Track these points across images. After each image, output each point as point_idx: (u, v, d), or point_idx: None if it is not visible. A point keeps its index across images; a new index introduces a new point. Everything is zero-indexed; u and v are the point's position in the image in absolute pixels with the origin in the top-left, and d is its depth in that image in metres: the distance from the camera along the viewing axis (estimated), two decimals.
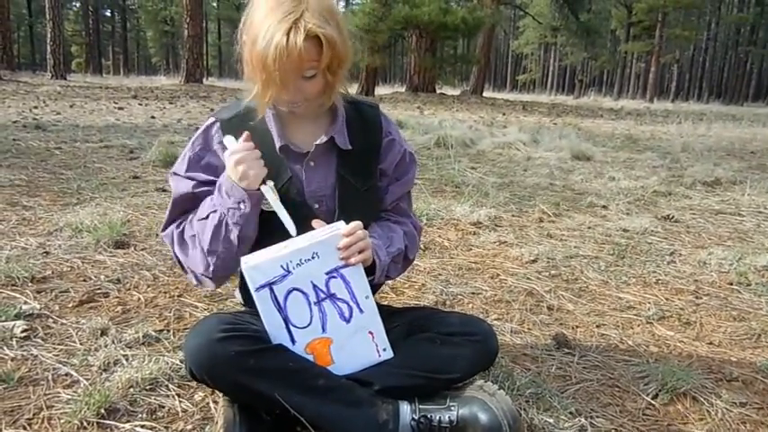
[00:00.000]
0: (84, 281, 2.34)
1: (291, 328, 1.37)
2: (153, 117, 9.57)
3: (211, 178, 1.45)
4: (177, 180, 1.49)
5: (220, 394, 1.51)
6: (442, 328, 1.52)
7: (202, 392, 1.58)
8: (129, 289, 2.30)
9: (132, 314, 2.07)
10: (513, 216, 3.83)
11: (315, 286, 1.37)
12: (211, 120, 1.49)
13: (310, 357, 1.40)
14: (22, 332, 1.86)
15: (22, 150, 5.41)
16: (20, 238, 2.80)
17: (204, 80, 24.60)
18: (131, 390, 1.56)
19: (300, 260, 1.34)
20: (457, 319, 1.58)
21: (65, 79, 22.07)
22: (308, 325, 1.39)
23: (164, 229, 1.51)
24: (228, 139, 1.38)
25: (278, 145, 1.45)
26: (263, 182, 1.36)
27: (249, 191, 1.34)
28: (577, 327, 2.17)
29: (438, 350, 1.47)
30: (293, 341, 1.38)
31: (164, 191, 4.02)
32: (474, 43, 31.75)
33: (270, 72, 1.28)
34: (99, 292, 2.24)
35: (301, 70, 1.30)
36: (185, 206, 1.48)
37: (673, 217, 3.95)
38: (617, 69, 47.74)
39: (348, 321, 1.42)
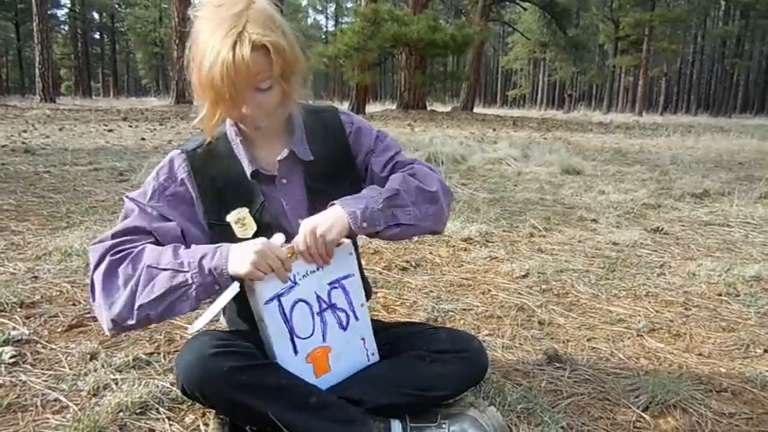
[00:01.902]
0: (74, 305, 2.33)
1: (295, 339, 1.39)
2: (143, 139, 9.57)
3: (169, 218, 1.40)
4: (134, 206, 1.41)
5: (211, 417, 1.50)
6: (431, 345, 1.52)
7: (193, 415, 1.58)
8: None
9: (122, 338, 2.06)
10: (503, 231, 3.85)
11: (318, 297, 1.41)
12: (177, 151, 1.47)
13: (310, 367, 1.42)
14: (11, 358, 1.85)
15: (10, 175, 5.40)
16: (8, 263, 2.79)
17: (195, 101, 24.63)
18: (121, 414, 1.55)
19: (306, 272, 1.37)
20: (446, 335, 1.58)
21: (54, 102, 22.10)
22: (311, 335, 1.41)
23: (98, 242, 1.36)
24: (279, 237, 1.34)
25: (249, 170, 1.44)
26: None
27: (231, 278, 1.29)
28: (568, 341, 2.18)
29: (428, 368, 1.48)
30: (296, 351, 1.39)
31: None
32: (464, 60, 32.01)
33: (218, 90, 1.26)
34: (88, 316, 2.23)
35: (253, 83, 1.29)
36: (134, 234, 1.38)
37: (662, 229, 3.97)
38: (606, 83, 48.05)
39: (345, 329, 1.46)
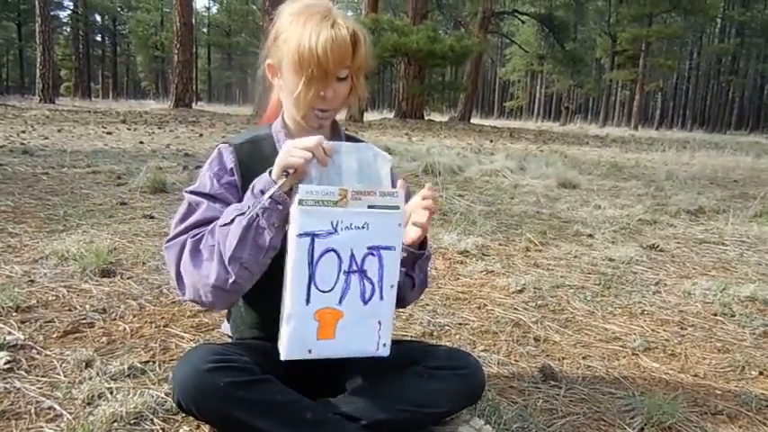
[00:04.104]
0: (70, 310, 2.33)
1: (312, 287, 1.32)
2: (141, 142, 9.57)
3: (230, 202, 1.43)
4: (200, 199, 1.44)
5: (206, 429, 1.50)
6: (428, 361, 1.52)
7: (187, 426, 1.57)
8: (115, 319, 2.28)
9: (118, 345, 2.05)
10: (500, 245, 3.85)
11: (352, 255, 1.34)
12: (224, 144, 1.51)
13: (315, 325, 1.34)
14: (6, 364, 1.84)
15: (8, 175, 5.39)
16: (5, 266, 2.77)
17: (193, 105, 24.64)
18: (115, 424, 1.54)
19: (351, 225, 1.32)
20: (444, 352, 1.58)
21: (53, 103, 22.08)
22: (329, 291, 1.34)
23: (172, 239, 1.43)
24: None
25: None
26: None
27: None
28: (564, 358, 2.18)
29: (425, 384, 1.47)
30: (308, 301, 1.32)
31: (151, 218, 4.01)
32: (462, 71, 32.20)
33: (320, 63, 1.36)
34: (84, 322, 2.23)
35: (342, 65, 1.40)
36: (209, 222, 1.42)
37: (658, 246, 3.98)
38: (602, 97, 48.23)
39: (365, 303, 1.37)
